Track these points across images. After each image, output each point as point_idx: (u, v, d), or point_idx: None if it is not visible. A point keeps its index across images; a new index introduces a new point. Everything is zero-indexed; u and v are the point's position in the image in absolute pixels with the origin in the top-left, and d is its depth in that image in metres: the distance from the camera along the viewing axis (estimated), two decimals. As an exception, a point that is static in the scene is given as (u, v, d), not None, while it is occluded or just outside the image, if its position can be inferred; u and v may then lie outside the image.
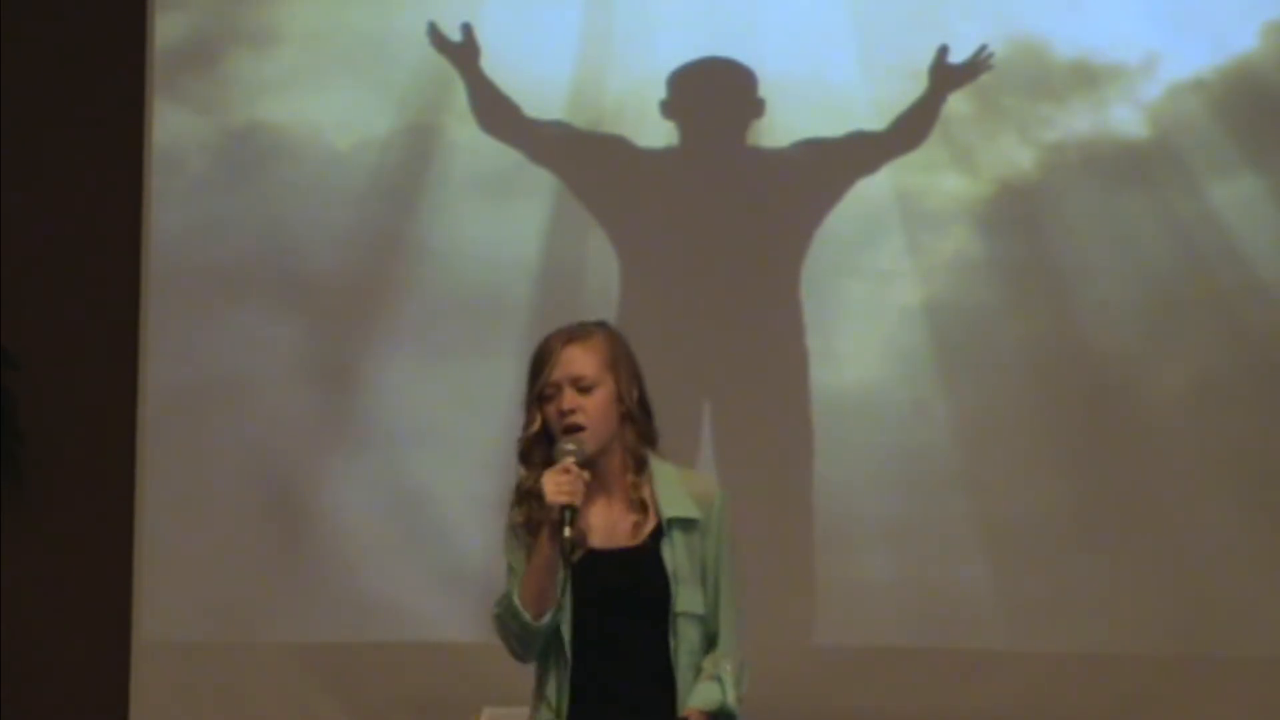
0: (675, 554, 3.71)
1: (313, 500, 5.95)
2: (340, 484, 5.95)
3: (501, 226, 6.00)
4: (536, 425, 3.73)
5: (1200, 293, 5.97)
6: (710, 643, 3.73)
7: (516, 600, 3.65)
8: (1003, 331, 5.98)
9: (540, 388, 3.72)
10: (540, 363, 3.74)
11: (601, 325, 3.82)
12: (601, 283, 5.97)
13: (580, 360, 3.72)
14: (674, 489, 3.77)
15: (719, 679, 3.69)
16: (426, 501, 5.93)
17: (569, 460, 3.64)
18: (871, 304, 6.00)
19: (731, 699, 3.69)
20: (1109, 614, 5.87)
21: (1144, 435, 5.94)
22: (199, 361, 6.00)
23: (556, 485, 3.61)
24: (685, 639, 3.69)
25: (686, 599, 3.69)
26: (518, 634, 3.67)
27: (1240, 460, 5.91)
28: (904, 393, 5.97)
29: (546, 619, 3.64)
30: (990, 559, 5.92)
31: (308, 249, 6.02)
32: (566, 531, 3.59)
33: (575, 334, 3.76)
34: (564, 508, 3.59)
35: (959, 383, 5.97)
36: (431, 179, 6.04)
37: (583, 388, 3.71)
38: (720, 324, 6.00)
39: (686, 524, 3.73)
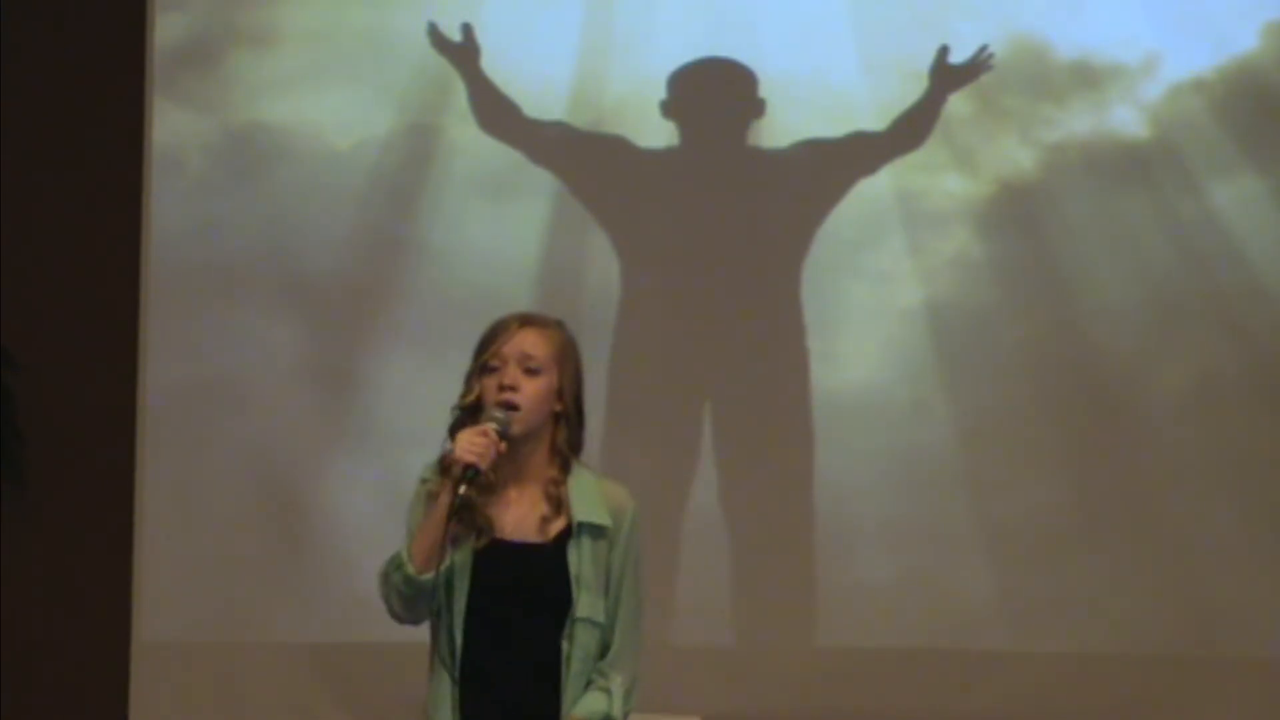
0: (581, 558, 3.69)
1: (312, 500, 5.95)
2: (340, 484, 5.95)
3: (501, 226, 6.00)
4: (473, 396, 3.72)
5: (1201, 293, 5.97)
6: (604, 653, 3.70)
7: (404, 552, 3.64)
8: (1003, 332, 5.98)
9: (486, 359, 3.71)
10: (492, 336, 3.73)
11: (559, 323, 3.80)
12: (601, 283, 5.97)
13: (533, 343, 3.71)
14: (589, 494, 3.73)
15: (608, 691, 3.67)
16: (426, 501, 5.92)
17: (490, 426, 3.63)
18: (872, 304, 6.00)
19: (618, 711, 3.67)
20: (1109, 614, 5.87)
21: (1144, 435, 5.94)
22: (199, 361, 6.00)
23: (469, 443, 3.60)
24: (580, 645, 3.67)
25: (588, 605, 3.67)
26: (399, 588, 3.65)
27: (1240, 460, 5.91)
28: (905, 393, 5.97)
29: (430, 575, 3.61)
30: (991, 559, 5.92)
31: (308, 249, 6.02)
32: (463, 489, 3.57)
33: (533, 319, 3.76)
34: (467, 466, 3.58)
35: (960, 383, 5.97)
36: (431, 179, 6.04)
37: (529, 369, 3.69)
38: (720, 324, 5.99)
39: (596, 530, 3.70)
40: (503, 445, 3.63)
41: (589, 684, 3.68)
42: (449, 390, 5.94)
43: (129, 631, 5.94)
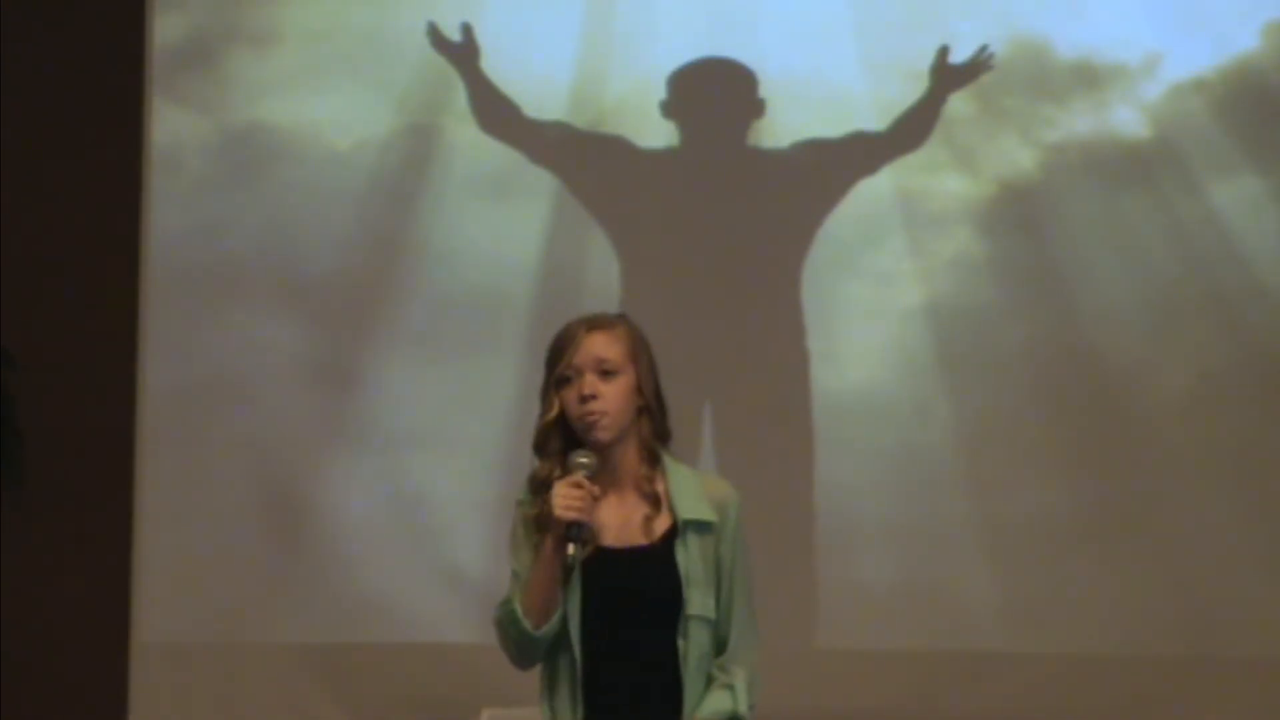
0: (689, 556, 3.63)
1: (312, 500, 5.95)
2: (340, 484, 5.95)
3: (501, 226, 6.00)
4: (555, 412, 3.64)
5: (1201, 293, 5.97)
6: (720, 648, 3.66)
7: (517, 608, 3.58)
8: (1004, 332, 5.98)
9: (561, 371, 3.64)
10: (561, 347, 3.66)
11: (623, 317, 3.75)
12: (601, 283, 5.97)
13: (604, 344, 3.64)
14: (690, 489, 3.69)
15: (731, 688, 3.63)
16: (426, 502, 5.93)
17: (581, 474, 3.57)
18: (873, 305, 6.00)
19: (744, 708, 3.62)
20: (1109, 615, 5.87)
21: (1145, 436, 5.95)
22: (199, 361, 6.00)
23: (566, 500, 3.53)
24: (695, 643, 3.62)
25: (699, 602, 3.62)
26: (516, 641, 3.60)
27: (1241, 461, 5.91)
28: (905, 394, 5.97)
29: (546, 629, 3.58)
30: (991, 560, 5.92)
31: (308, 249, 6.03)
32: (571, 549, 3.52)
33: (599, 321, 3.69)
34: (570, 524, 3.52)
35: (960, 384, 5.97)
36: (431, 179, 6.04)
37: (605, 371, 3.63)
38: (721, 325, 5.99)
39: (702, 526, 3.65)
40: (597, 490, 3.57)
41: (710, 681, 3.64)
42: (449, 390, 5.99)
43: (128, 631, 5.94)
